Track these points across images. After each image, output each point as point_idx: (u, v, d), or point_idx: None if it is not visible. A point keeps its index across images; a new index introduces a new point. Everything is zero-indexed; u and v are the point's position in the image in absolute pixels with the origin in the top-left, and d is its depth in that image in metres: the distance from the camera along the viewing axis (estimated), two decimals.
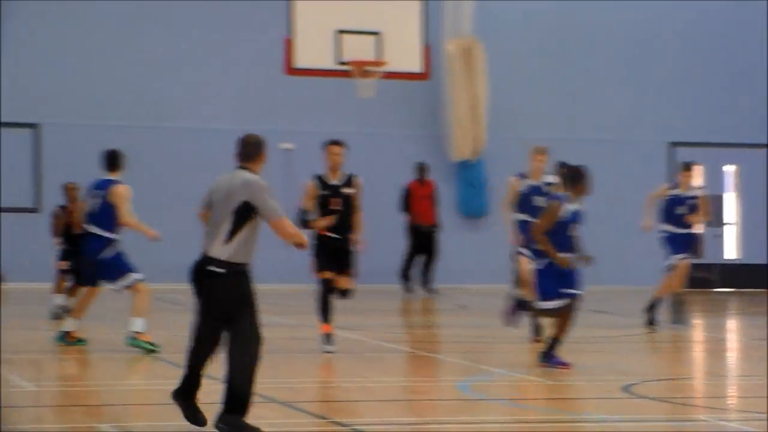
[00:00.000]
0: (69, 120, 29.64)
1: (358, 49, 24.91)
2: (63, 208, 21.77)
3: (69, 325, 15.79)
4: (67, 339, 15.72)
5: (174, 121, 30.68)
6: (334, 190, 14.70)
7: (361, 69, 24.82)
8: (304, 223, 14.78)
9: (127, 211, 15.64)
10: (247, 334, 8.76)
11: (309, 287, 26.93)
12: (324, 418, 11.91)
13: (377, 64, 24.73)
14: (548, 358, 14.94)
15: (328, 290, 14.98)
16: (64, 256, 21.42)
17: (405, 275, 28.23)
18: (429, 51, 25.76)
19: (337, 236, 14.80)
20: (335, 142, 15.76)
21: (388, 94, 26.08)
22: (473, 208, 31.02)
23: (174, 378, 11.29)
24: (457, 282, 31.04)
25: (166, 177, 29.73)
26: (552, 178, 16.00)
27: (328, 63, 25.04)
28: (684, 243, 19.68)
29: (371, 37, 24.99)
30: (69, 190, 21.55)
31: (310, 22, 25.50)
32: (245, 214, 8.66)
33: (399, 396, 14.48)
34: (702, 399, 13.16)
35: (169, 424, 11.17)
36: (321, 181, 14.92)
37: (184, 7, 30.95)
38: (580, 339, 17.40)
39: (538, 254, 15.57)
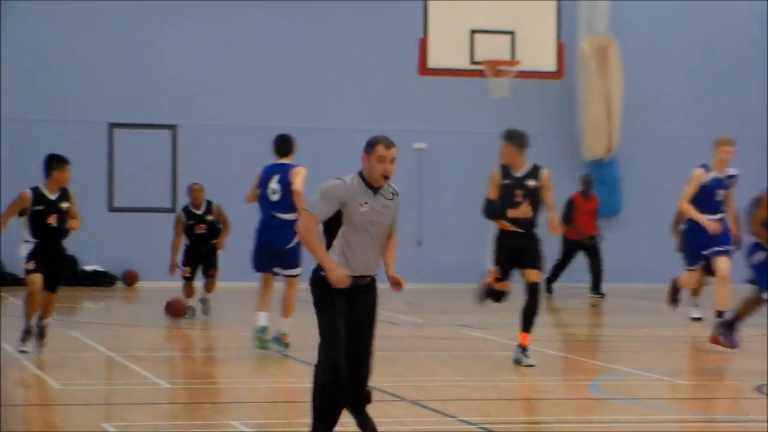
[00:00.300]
0: (203, 121, 29.17)
1: (492, 49, 24.74)
2: (185, 210, 21.60)
3: (284, 325, 15.02)
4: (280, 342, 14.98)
5: (311, 122, 29.72)
6: (517, 182, 13.66)
7: (494, 68, 24.69)
8: (493, 214, 13.90)
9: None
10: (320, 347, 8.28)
11: (439, 286, 26.59)
12: (453, 416, 11.78)
13: (511, 63, 24.66)
14: (727, 331, 14.68)
15: (493, 293, 13.90)
16: (186, 261, 21.58)
17: (549, 284, 26.59)
18: (563, 49, 25.74)
19: (521, 231, 13.71)
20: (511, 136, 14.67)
21: (521, 93, 25.86)
22: (607, 207, 29.92)
23: (303, 376, 11.85)
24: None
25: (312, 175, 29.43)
26: (734, 171, 15.37)
27: (462, 63, 24.94)
28: None
29: (505, 37, 24.98)
30: (194, 191, 21.66)
31: (444, 22, 25.46)
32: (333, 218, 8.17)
33: (528, 395, 14.54)
34: None
35: (299, 421, 11.00)
36: (504, 170, 13.88)
37: (323, 7, 30.22)
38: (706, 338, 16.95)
39: (757, 247, 15.15)
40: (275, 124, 27.64)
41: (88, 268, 28.53)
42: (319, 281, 8.24)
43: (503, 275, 13.81)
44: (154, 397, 14.01)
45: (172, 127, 29.51)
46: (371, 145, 7.91)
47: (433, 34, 24.91)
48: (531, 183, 13.66)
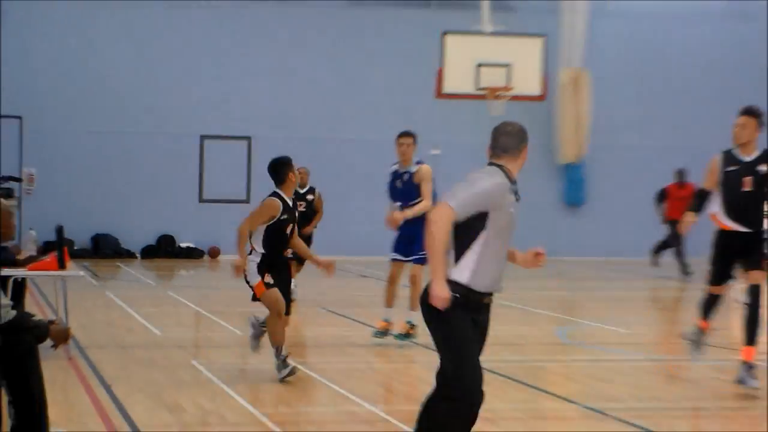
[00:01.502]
0: (275, 133, 28.70)
1: (492, 78, 24.64)
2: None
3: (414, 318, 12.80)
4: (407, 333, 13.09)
5: (350, 134, 29.77)
6: (747, 168, 10.20)
7: (493, 93, 24.64)
8: (700, 207, 10.95)
9: (428, 192, 13.58)
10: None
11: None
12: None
13: (506, 89, 24.64)
14: None
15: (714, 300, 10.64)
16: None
17: (655, 253, 26.15)
18: (546, 78, 25.76)
19: (747, 230, 10.42)
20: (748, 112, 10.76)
21: (513, 112, 23.64)
22: (574, 199, 31.26)
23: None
24: (559, 255, 28.39)
25: (344, 184, 29.24)
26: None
27: (469, 89, 24.84)
28: None
29: (502, 68, 24.75)
30: (301, 173, 18.69)
31: (459, 57, 25.27)
32: (469, 223, 6.08)
33: (510, 341, 14.66)
34: None
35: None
36: (729, 155, 10.49)
37: (370, 43, 29.96)
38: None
39: None
40: (322, 135, 29.12)
41: (183, 245, 29.08)
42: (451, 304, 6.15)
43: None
44: (231, 342, 14.85)
45: (247, 138, 29.48)
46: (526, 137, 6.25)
47: (448, 64, 24.88)
48: None
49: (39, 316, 10.52)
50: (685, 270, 25.51)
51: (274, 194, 10.61)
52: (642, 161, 32.59)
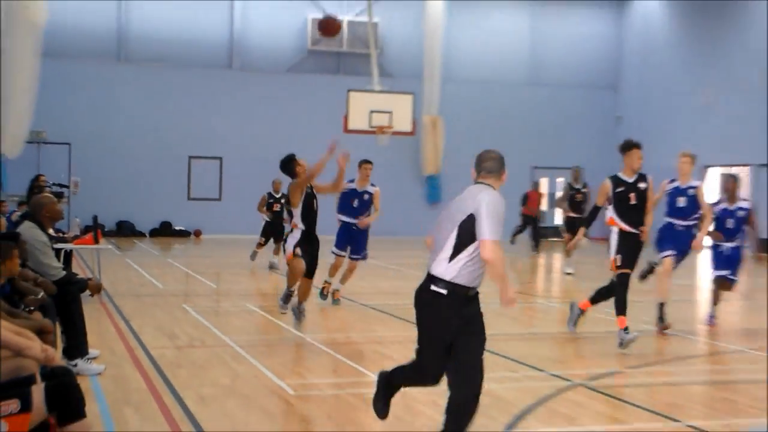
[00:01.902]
0: (239, 155, 31.36)
1: (380, 120, 26.75)
2: (269, 195, 21.08)
3: None
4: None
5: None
6: (630, 186, 10.77)
7: (380, 130, 26.87)
8: (592, 222, 11.52)
9: (378, 206, 14.40)
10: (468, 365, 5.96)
11: None
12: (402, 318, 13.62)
13: (389, 128, 26.88)
14: None
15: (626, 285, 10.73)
16: (263, 233, 20.57)
17: (514, 235, 27.54)
18: (415, 122, 27.66)
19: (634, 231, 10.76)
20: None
21: (393, 142, 27.94)
22: (434, 198, 32.88)
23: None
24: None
25: None
26: (697, 183, 12.15)
27: (365, 127, 26.95)
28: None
29: (387, 114, 26.89)
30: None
31: (358, 107, 27.35)
32: (470, 229, 5.89)
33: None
34: None
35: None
36: (617, 178, 10.87)
37: (299, 95, 31.91)
38: None
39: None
40: (273, 156, 28.41)
41: (177, 228, 31.37)
42: (440, 299, 5.92)
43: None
44: (209, 292, 16.56)
45: (220, 158, 31.81)
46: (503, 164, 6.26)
47: (351, 111, 26.93)
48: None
49: (81, 275, 12.40)
50: (536, 247, 27.38)
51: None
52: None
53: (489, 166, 6.22)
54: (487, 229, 5.73)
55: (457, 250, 5.82)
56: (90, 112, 30.54)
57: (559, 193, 28.25)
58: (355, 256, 13.95)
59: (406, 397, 7.27)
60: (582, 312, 11.32)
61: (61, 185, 24.77)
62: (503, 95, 35.05)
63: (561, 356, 10.75)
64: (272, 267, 19.92)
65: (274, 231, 20.19)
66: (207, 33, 32.22)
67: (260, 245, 20.52)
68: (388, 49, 33.28)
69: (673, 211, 12.02)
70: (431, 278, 5.89)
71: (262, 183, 28.53)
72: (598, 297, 11.30)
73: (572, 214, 20.26)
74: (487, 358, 8.35)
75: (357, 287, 15.85)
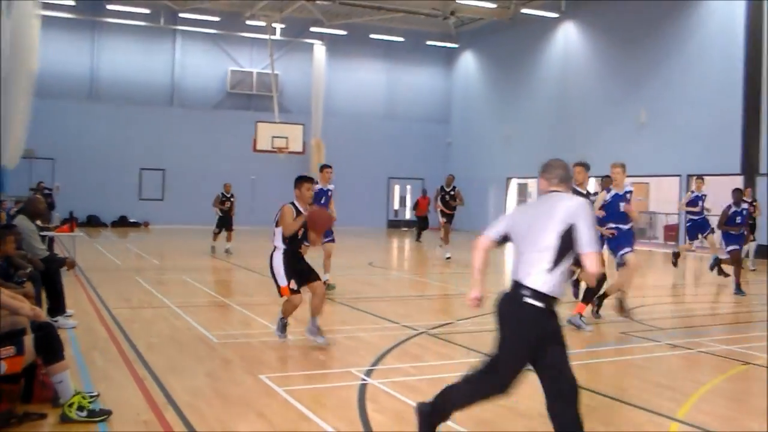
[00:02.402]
0: (179, 167, 31.89)
1: (279, 143, 28.87)
2: (222, 194, 19.84)
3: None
4: None
5: (214, 166, 32.22)
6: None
7: (280, 150, 28.75)
8: None
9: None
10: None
11: None
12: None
13: (286, 148, 28.89)
14: None
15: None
16: (217, 225, 19.87)
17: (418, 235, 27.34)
18: (305, 144, 29.70)
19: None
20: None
21: (289, 160, 29.60)
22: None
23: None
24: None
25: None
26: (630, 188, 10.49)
27: (268, 148, 28.96)
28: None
29: (284, 139, 29.00)
30: (226, 186, 19.94)
31: (264, 133, 29.22)
32: (570, 240, 4.43)
33: None
34: None
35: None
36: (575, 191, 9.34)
37: (223, 126, 33.08)
38: None
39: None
40: (203, 169, 31.26)
41: (131, 220, 32.19)
42: (535, 312, 4.50)
43: None
44: (153, 268, 16.44)
45: (163, 170, 32.60)
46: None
47: (258, 136, 29.06)
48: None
49: (60, 255, 12.46)
50: (418, 239, 27.02)
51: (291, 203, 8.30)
52: (356, 183, 33.61)
53: (562, 174, 4.80)
54: (591, 241, 4.44)
55: (558, 260, 4.45)
56: (69, 136, 31.01)
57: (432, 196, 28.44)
58: (326, 240, 12.33)
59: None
60: (582, 315, 9.64)
61: (46, 188, 25.68)
62: (368, 125, 36.51)
63: (410, 313, 10.62)
64: (227, 251, 19.10)
65: (225, 223, 19.81)
66: (155, 78, 33.04)
67: (216, 234, 19.76)
68: (285, 92, 34.44)
69: (617, 216, 10.38)
70: (524, 288, 4.46)
71: (194, 187, 31.22)
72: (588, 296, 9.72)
73: (445, 210, 19.79)
74: (358, 314, 10.28)
75: (262, 263, 14.84)
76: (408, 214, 37.22)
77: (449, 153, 37.86)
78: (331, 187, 12.63)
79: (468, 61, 37.26)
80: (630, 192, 10.51)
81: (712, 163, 23.99)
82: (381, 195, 36.48)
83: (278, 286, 7.98)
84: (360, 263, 17.90)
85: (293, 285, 7.96)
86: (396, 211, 37.44)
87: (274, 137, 29.40)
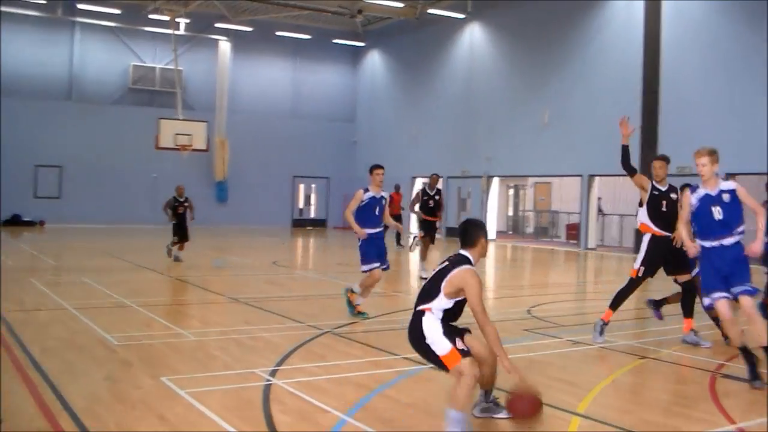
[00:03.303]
0: (76, 165, 30.31)
1: (182, 140, 28.97)
2: (174, 199, 18.03)
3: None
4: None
5: (117, 161, 31.84)
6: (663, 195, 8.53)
7: (183, 148, 28.87)
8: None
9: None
10: None
11: None
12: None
13: (189, 146, 29.05)
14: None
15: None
16: (174, 233, 18.03)
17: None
18: (209, 142, 29.82)
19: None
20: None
21: (193, 157, 29.89)
22: (222, 198, 34.58)
23: None
24: (215, 224, 31.53)
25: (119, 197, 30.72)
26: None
27: (171, 145, 28.96)
28: None
29: (188, 136, 29.01)
30: (178, 189, 18.34)
31: (166, 130, 29.20)
32: None
33: None
34: None
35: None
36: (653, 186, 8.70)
37: (129, 121, 32.07)
38: None
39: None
40: (105, 168, 29.45)
41: (25, 219, 31.18)
42: None
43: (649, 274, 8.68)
44: (50, 268, 16.64)
45: (59, 166, 31.44)
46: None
47: (161, 133, 29.01)
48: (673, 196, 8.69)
49: None
50: (398, 242, 24.47)
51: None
52: (261, 181, 35.62)
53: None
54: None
55: None
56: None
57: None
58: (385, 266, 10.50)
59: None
60: (605, 323, 9.02)
61: None
62: (273, 123, 36.69)
63: (315, 312, 10.54)
64: (177, 259, 17.66)
65: (181, 232, 17.96)
66: (51, 71, 32.15)
67: (174, 243, 18.01)
68: (189, 89, 34.44)
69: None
70: None
71: (93, 185, 30.90)
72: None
73: (427, 218, 16.40)
74: (262, 313, 10.11)
75: (166, 263, 16.44)
76: (313, 213, 37.50)
77: (355, 152, 38.22)
78: (384, 194, 10.44)
79: (375, 60, 37.71)
80: (731, 191, 7.28)
81: (612, 164, 24.61)
82: (286, 194, 36.73)
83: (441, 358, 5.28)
84: (264, 262, 18.08)
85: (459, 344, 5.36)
86: (301, 210, 37.64)
87: (177, 134, 29.27)
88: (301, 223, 36.82)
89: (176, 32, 30.73)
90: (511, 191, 37.39)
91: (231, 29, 33.62)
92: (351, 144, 38.48)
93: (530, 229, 35.12)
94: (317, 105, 37.74)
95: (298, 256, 22.86)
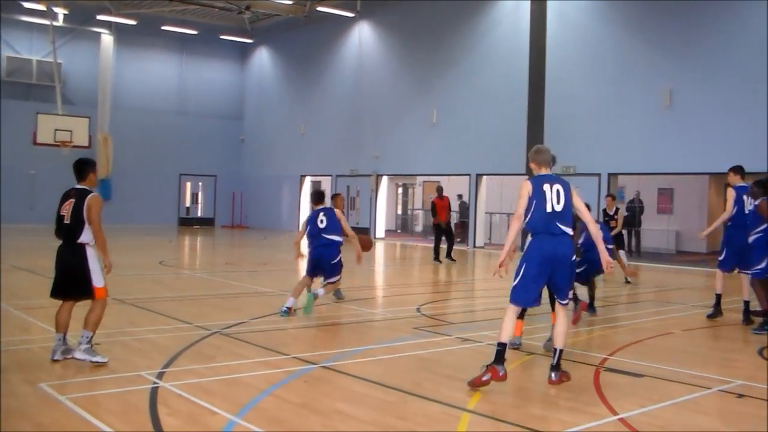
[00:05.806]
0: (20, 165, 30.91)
1: (63, 136, 28.62)
2: None
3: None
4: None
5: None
6: None
7: (64, 144, 28.41)
8: None
9: None
10: None
11: None
12: None
13: (70, 142, 28.66)
14: None
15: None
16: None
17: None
18: (91, 138, 29.56)
19: None
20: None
21: (74, 154, 25.37)
22: (105, 196, 31.49)
23: None
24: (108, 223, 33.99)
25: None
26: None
27: (51, 141, 28.59)
28: None
29: (68, 132, 28.64)
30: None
31: (45, 125, 28.17)
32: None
33: None
34: None
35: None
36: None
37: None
38: None
39: None
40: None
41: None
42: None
43: None
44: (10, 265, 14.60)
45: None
46: None
47: (39, 129, 28.44)
48: None
49: None
50: (437, 258, 20.37)
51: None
52: (146, 179, 35.22)
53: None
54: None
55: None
56: None
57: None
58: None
59: None
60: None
61: None
62: (158, 120, 36.45)
63: (203, 312, 10.49)
64: None
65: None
66: None
67: None
68: (69, 83, 33.64)
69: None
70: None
71: None
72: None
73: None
74: (149, 314, 10.12)
75: (45, 264, 15.25)
76: (200, 212, 37.39)
77: (242, 150, 38.41)
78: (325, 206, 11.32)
79: (263, 57, 37.83)
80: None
81: (498, 164, 25.39)
82: (172, 192, 36.30)
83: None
84: (150, 262, 17.90)
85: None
86: (188, 209, 37.40)
87: (57, 130, 28.83)
88: (188, 222, 36.60)
89: (54, 23, 29.95)
90: (401, 190, 37.79)
91: (114, 22, 32.90)
92: (238, 142, 38.63)
93: (419, 228, 35.47)
94: (204, 102, 37.64)
95: (185, 255, 22.69)
